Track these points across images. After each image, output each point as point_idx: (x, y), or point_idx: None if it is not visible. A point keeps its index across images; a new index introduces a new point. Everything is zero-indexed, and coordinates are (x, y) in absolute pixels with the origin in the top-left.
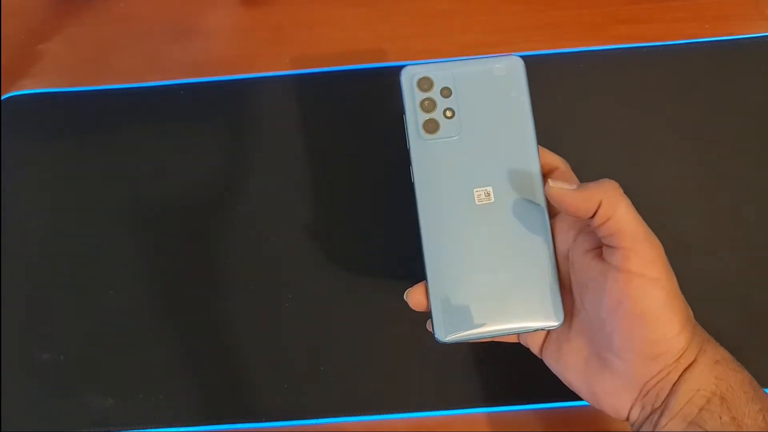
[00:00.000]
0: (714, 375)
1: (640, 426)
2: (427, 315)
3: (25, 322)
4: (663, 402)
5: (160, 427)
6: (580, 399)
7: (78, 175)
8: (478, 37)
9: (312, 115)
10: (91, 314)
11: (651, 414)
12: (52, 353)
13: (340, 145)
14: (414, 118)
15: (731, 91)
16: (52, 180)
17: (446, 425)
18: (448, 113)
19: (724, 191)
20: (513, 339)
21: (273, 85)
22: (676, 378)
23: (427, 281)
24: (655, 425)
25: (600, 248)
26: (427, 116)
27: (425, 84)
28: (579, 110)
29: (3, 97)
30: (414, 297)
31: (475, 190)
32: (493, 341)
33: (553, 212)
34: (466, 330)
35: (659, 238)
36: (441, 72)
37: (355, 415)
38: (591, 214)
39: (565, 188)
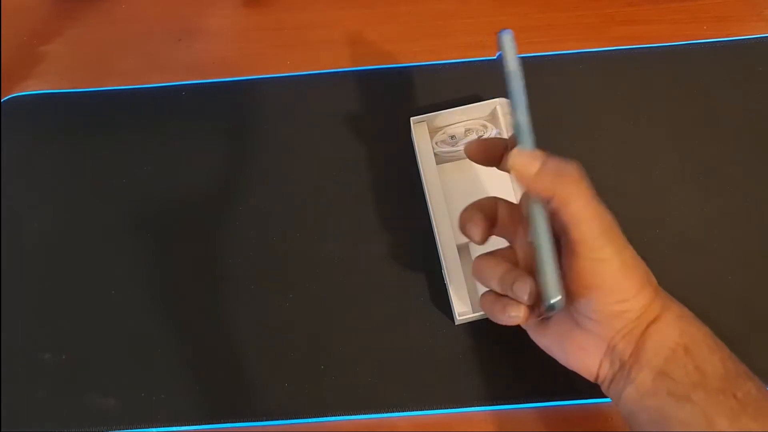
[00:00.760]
0: (678, 329)
1: (610, 383)
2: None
3: (25, 322)
4: (631, 356)
5: (160, 427)
6: (580, 399)
7: (79, 176)
8: (477, 38)
9: (313, 117)
10: (91, 314)
11: (620, 368)
12: (52, 353)
13: (340, 146)
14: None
15: (730, 92)
16: (52, 180)
17: (446, 424)
18: None
19: (724, 191)
20: None
21: (274, 87)
22: (641, 333)
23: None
24: (626, 378)
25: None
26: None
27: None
28: (579, 111)
29: (4, 99)
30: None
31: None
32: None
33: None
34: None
35: (659, 238)
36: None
37: (354, 415)
38: (544, 200)
39: (527, 168)
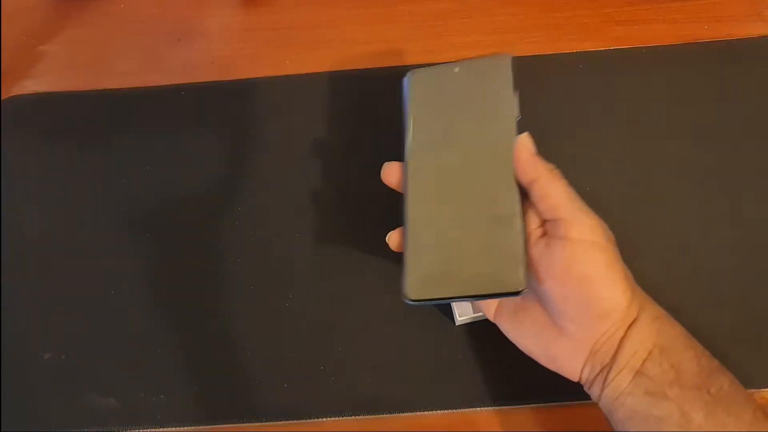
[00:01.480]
0: (655, 329)
1: (591, 384)
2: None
3: (25, 321)
4: (611, 359)
5: (160, 427)
6: (580, 399)
7: (79, 176)
8: (477, 38)
9: (313, 117)
10: (91, 314)
11: (600, 371)
12: (53, 353)
13: (340, 146)
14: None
15: (729, 92)
16: (52, 180)
17: (447, 424)
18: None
19: (723, 191)
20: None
21: (273, 87)
22: (622, 334)
23: (405, 239)
24: (605, 380)
25: (544, 225)
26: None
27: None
28: (577, 111)
29: (3, 99)
30: (394, 239)
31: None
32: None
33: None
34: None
35: (659, 238)
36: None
37: (355, 415)
38: (525, 182)
39: (528, 149)
